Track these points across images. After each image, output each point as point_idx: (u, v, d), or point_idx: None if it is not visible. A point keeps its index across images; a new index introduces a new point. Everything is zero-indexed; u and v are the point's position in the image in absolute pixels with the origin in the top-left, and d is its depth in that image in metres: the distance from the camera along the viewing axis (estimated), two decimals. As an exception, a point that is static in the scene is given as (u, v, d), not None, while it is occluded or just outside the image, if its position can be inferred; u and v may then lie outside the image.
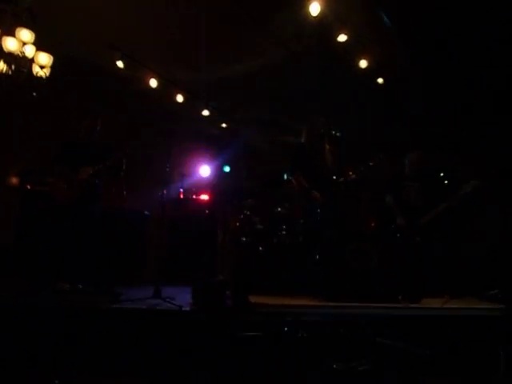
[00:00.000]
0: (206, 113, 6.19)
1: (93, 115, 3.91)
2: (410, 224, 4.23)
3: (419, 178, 4.41)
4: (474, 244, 5.05)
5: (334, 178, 3.89)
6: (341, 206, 3.89)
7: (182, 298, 3.37)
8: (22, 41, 3.79)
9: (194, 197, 5.81)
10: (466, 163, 5.46)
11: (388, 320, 2.99)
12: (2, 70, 3.76)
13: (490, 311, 3.36)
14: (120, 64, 5.06)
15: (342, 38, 4.62)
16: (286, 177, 5.97)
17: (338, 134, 3.90)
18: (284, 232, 4.36)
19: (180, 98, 5.77)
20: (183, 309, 3.03)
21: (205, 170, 6.31)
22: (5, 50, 3.72)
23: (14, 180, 5.62)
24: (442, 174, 5.38)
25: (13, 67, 3.80)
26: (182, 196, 5.78)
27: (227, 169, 6.24)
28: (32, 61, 3.95)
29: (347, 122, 4.78)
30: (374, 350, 2.71)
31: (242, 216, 4.72)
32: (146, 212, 5.42)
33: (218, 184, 6.04)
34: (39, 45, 3.95)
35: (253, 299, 3.12)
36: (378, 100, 5.57)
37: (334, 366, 2.52)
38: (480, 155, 5.56)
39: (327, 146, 3.99)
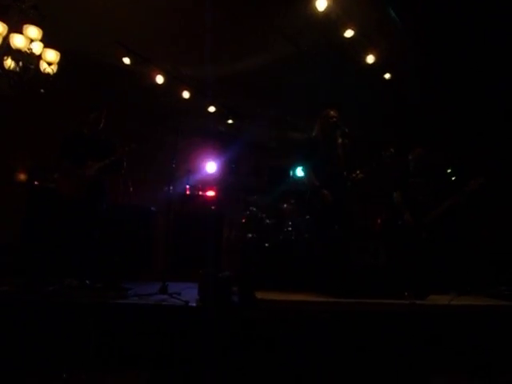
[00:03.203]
0: (212, 109, 6.20)
1: (97, 110, 3.91)
2: (417, 221, 4.23)
3: (424, 175, 4.42)
4: (480, 240, 5.02)
5: (345, 173, 3.84)
6: (349, 202, 3.85)
7: (189, 293, 3.39)
8: (29, 38, 3.80)
9: (200, 193, 5.84)
10: (473, 160, 5.42)
11: (394, 316, 2.98)
12: (10, 67, 3.78)
13: (497, 308, 3.34)
14: (126, 60, 5.07)
15: (349, 33, 4.59)
16: (292, 173, 5.97)
17: (346, 130, 3.87)
18: (290, 228, 4.36)
19: (186, 95, 5.78)
20: (189, 304, 3.04)
21: (211, 167, 6.33)
22: (13, 47, 3.73)
23: (22, 176, 5.67)
24: (449, 171, 5.36)
25: (20, 64, 3.81)
26: (188, 192, 5.80)
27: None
28: (39, 57, 3.97)
29: (353, 118, 4.75)
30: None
31: (248, 212, 4.73)
32: (152, 208, 5.45)
33: (224, 180, 6.06)
34: (47, 41, 3.96)
35: (259, 295, 3.12)
36: (382, 96, 5.53)
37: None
38: (486, 152, 5.52)
39: (340, 139, 3.93)
